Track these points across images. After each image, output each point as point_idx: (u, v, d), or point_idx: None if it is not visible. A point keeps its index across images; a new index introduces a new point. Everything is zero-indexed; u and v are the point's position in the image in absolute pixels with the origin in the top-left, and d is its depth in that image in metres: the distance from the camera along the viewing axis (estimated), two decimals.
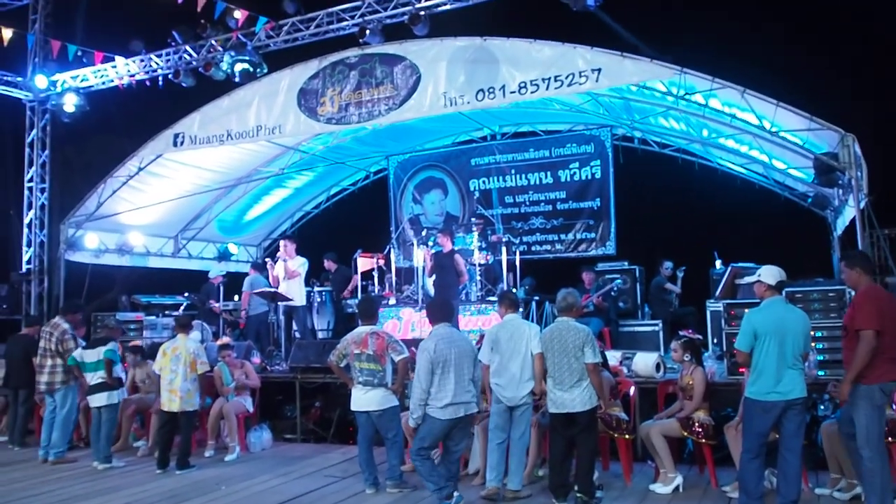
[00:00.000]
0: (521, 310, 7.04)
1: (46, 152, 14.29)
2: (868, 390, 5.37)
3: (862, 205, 8.17)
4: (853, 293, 5.95)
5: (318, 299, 12.05)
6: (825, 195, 10.59)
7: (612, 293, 10.79)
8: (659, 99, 9.87)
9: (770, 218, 12.34)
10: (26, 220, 14.14)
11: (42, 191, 14.19)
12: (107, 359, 8.25)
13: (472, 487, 6.80)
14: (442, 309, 6.78)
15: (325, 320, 12.14)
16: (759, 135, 9.55)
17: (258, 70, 11.41)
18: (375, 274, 12.34)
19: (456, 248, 10.58)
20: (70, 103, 13.27)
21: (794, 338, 5.49)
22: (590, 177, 13.40)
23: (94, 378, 8.28)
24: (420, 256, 11.38)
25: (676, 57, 8.61)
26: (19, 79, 13.95)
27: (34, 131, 14.21)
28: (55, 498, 7.01)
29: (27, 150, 14.25)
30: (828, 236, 11.67)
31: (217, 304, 12.16)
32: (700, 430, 6.60)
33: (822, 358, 7.36)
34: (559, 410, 6.15)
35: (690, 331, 7.34)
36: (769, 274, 5.78)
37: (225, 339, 9.32)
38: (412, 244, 12.20)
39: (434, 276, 10.48)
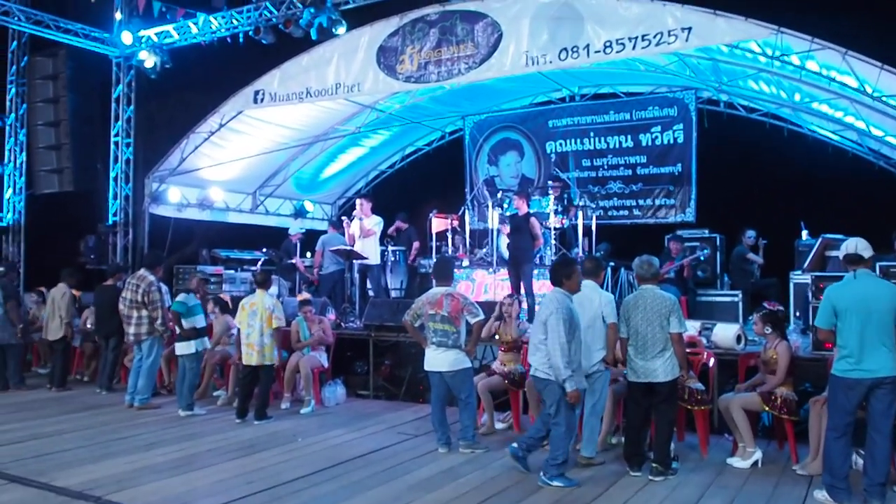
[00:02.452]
0: (600, 277, 6.81)
1: (132, 108, 14.68)
2: None
3: None
4: None
5: (392, 258, 12.12)
6: None
7: (694, 263, 10.53)
8: (751, 60, 9.44)
9: (862, 187, 11.79)
10: (112, 174, 14.59)
11: (127, 145, 14.60)
12: (174, 311, 8.51)
13: (544, 452, 6.77)
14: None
15: (399, 279, 12.23)
16: (859, 100, 9.06)
17: (337, 27, 11.39)
18: (449, 235, 12.32)
19: (532, 211, 10.44)
20: (150, 61, 13.54)
21: (880, 313, 5.23)
22: (671, 141, 13.03)
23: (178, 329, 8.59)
24: (495, 219, 11.29)
25: (772, 14, 8.17)
26: (106, 35, 14.28)
27: (120, 87, 14.60)
28: (141, 441, 7.28)
29: (113, 105, 14.65)
30: None
31: (299, 260, 12.38)
32: (783, 405, 6.39)
33: None
34: (640, 380, 6.05)
35: (773, 303, 7.08)
36: (850, 246, 5.54)
37: (305, 295, 9.45)
38: (487, 206, 12.11)
39: (509, 240, 10.38)
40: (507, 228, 10.62)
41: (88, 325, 10.78)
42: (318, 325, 9.25)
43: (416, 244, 12.45)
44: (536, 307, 9.47)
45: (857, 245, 5.57)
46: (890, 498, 5.35)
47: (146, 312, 8.84)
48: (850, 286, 5.44)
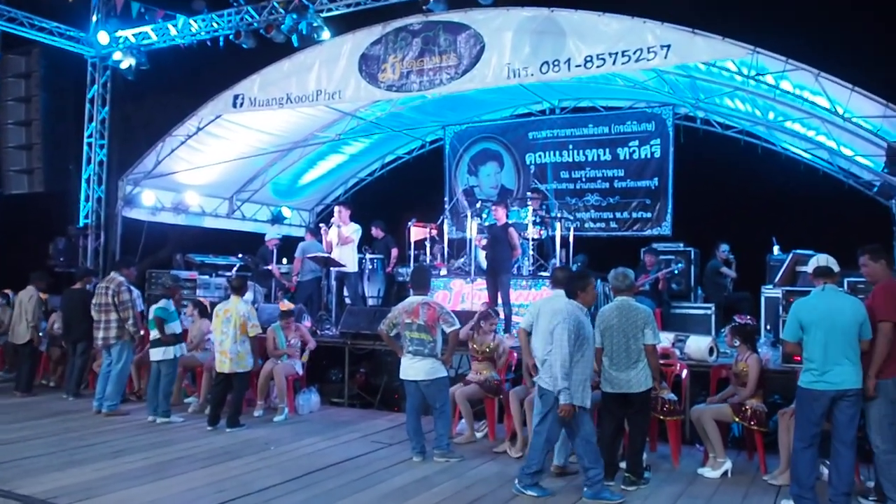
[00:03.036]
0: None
1: (106, 109, 14.51)
2: (884, 385, 5.37)
3: None
4: None
5: (370, 266, 12.10)
6: (892, 184, 10.26)
7: (668, 276, 10.62)
8: (727, 78, 9.57)
9: (832, 205, 12.01)
10: (84, 176, 14.39)
11: (101, 147, 14.43)
12: (157, 317, 8.42)
13: (519, 461, 6.79)
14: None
15: (376, 287, 12.19)
16: (830, 120, 9.22)
17: (319, 33, 11.37)
18: (428, 244, 12.33)
19: (510, 221, 10.49)
20: (126, 62, 13.42)
21: (843, 327, 5.36)
22: (649, 156, 13.17)
23: (153, 334, 8.49)
24: (473, 228, 11.32)
25: (749, 34, 8.31)
26: (82, 34, 14.13)
27: (95, 87, 14.43)
28: (109, 449, 7.17)
29: (87, 105, 14.48)
30: (890, 227, 11.32)
31: (275, 267, 12.31)
32: (752, 416, 6.48)
33: None
34: (614, 390, 6.10)
35: (745, 316, 7.18)
36: (821, 260, 5.76)
37: (288, 305, 9.36)
38: (465, 216, 12.13)
39: (487, 250, 10.41)
40: (482, 241, 10.66)
41: (56, 330, 10.60)
42: (294, 333, 9.20)
43: (394, 252, 12.45)
44: (514, 318, 9.53)
45: (827, 260, 5.74)
46: None
47: (116, 316, 8.74)
48: (816, 301, 5.57)
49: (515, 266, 10.67)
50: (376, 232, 12.62)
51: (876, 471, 5.54)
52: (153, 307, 8.58)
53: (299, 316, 10.07)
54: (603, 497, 5.68)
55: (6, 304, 11.34)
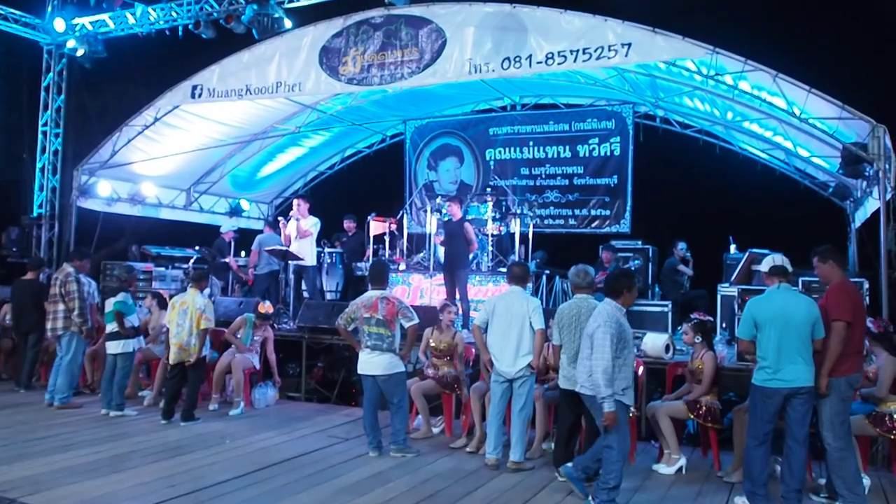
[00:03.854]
0: (527, 284, 6.94)
1: (62, 97, 14.19)
2: (836, 383, 5.47)
3: (888, 197, 8.05)
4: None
5: (329, 260, 12.02)
6: (847, 185, 10.49)
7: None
8: (687, 78, 9.68)
9: (788, 205, 12.25)
10: (39, 165, 14.07)
11: (56, 136, 14.11)
12: (116, 310, 8.29)
13: (476, 457, 6.81)
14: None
15: (335, 281, 12.12)
16: (787, 121, 9.38)
17: (280, 25, 11.24)
18: (387, 238, 12.29)
19: (467, 217, 10.50)
20: (80, 50, 13.14)
21: (797, 326, 5.44)
22: (608, 153, 13.28)
23: (109, 327, 8.35)
24: (433, 224, 11.31)
25: (708, 35, 8.41)
26: (38, 21, 13.79)
27: (50, 75, 14.10)
28: (60, 442, 7.05)
29: (42, 94, 14.15)
30: (845, 227, 11.57)
31: (233, 260, 12.17)
32: (707, 413, 6.56)
33: None
34: (570, 387, 6.11)
35: (701, 313, 7.28)
36: (777, 260, 5.83)
37: (268, 308, 9.21)
38: (425, 210, 12.11)
39: (444, 246, 10.41)
40: (440, 237, 10.66)
41: (6, 321, 10.37)
42: (261, 332, 9.12)
43: (369, 250, 12.36)
44: (472, 312, 9.54)
45: (782, 259, 5.83)
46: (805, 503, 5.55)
47: (63, 307, 8.61)
48: (771, 299, 5.65)
49: (474, 262, 10.69)
50: (349, 225, 12.52)
51: (828, 468, 5.63)
52: (112, 300, 8.40)
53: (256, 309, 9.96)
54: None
55: None
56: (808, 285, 7.67)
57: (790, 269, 5.94)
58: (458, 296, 9.76)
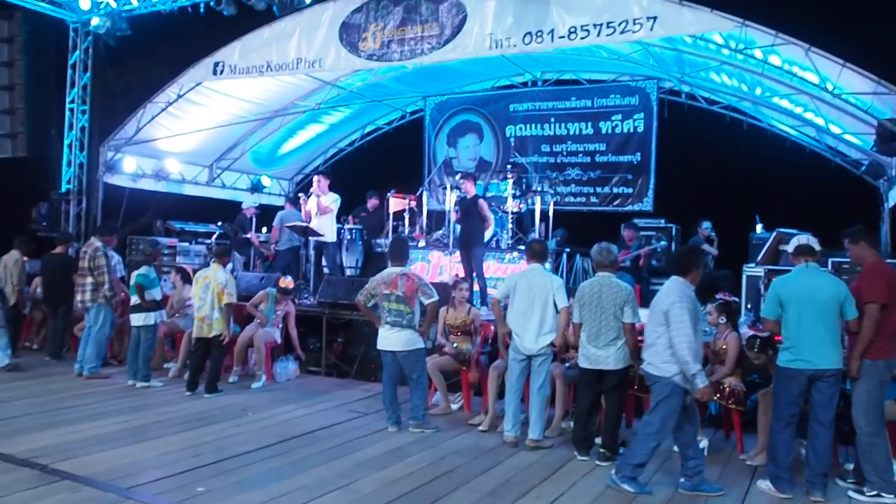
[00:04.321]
0: (546, 261, 6.91)
1: (88, 74, 14.29)
2: (873, 366, 5.33)
3: None
4: None
5: (349, 236, 12.03)
6: (881, 163, 10.26)
7: (650, 253, 10.62)
8: (714, 52, 9.50)
9: (818, 184, 11.98)
10: (66, 141, 14.23)
11: (83, 112, 14.24)
12: (137, 283, 8.41)
13: (494, 433, 6.82)
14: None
15: (354, 258, 12.13)
16: (819, 96, 9.18)
17: (300, 1, 11.18)
18: (406, 215, 12.27)
19: (484, 194, 10.46)
20: (102, 27, 13.18)
21: (822, 306, 5.31)
22: (631, 130, 13.13)
23: (133, 300, 8.49)
24: (452, 200, 11.27)
25: (737, 6, 8.20)
26: None
27: (77, 53, 14.20)
28: (88, 411, 7.21)
29: (69, 71, 14.26)
30: (878, 207, 11.34)
31: (254, 235, 12.24)
32: (730, 395, 6.49)
33: None
34: (591, 366, 6.09)
35: (726, 294, 7.18)
36: (802, 239, 5.72)
37: (289, 283, 9.27)
38: (444, 187, 12.07)
39: (459, 224, 10.38)
40: (456, 214, 10.63)
41: (38, 293, 10.56)
42: (283, 306, 9.17)
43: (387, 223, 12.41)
44: (489, 290, 9.52)
45: (808, 239, 5.70)
46: (831, 489, 5.46)
47: (92, 280, 8.76)
48: (797, 278, 5.53)
49: (493, 239, 10.66)
50: (373, 202, 12.49)
51: (857, 453, 5.50)
52: (134, 273, 8.56)
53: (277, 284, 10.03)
54: (702, 489, 5.39)
55: None
56: (838, 266, 7.52)
57: (818, 248, 5.79)
58: (474, 273, 9.74)
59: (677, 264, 5.64)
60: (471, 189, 10.17)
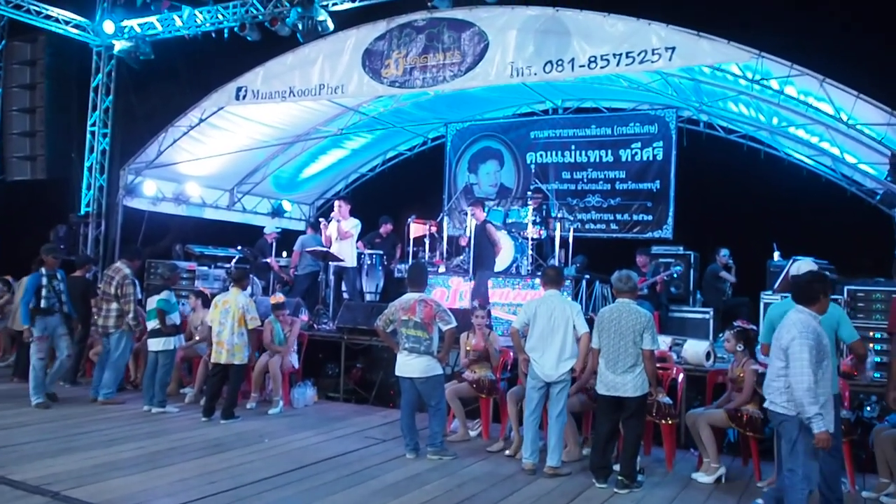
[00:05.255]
0: (563, 287, 6.93)
1: (110, 98, 14.50)
2: None
3: None
4: None
5: (369, 262, 12.09)
6: (895, 193, 10.22)
7: (666, 279, 10.60)
8: (731, 82, 9.55)
9: (834, 212, 11.95)
10: (87, 164, 14.40)
11: (104, 135, 14.42)
12: (158, 308, 8.41)
13: (512, 461, 6.79)
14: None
15: (374, 283, 12.17)
16: (834, 126, 9.20)
17: (324, 28, 11.35)
18: (427, 241, 12.32)
19: (501, 221, 10.55)
20: (124, 48, 13.44)
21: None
22: (651, 158, 13.17)
23: (152, 324, 8.48)
24: (472, 226, 11.31)
25: (754, 38, 8.27)
26: (88, 23, 14.11)
27: (99, 76, 14.42)
28: (103, 437, 7.17)
29: (91, 94, 14.47)
30: (893, 235, 11.27)
31: (273, 260, 12.32)
32: (748, 422, 6.46)
33: (879, 360, 7.11)
34: (609, 393, 6.08)
35: (744, 321, 7.16)
36: (795, 269, 5.69)
37: (279, 298, 9.37)
38: (465, 213, 12.12)
39: (472, 249, 10.47)
40: (465, 239, 10.70)
41: None
42: (289, 326, 9.20)
43: (398, 249, 12.49)
44: (494, 310, 9.57)
45: (808, 264, 5.69)
46: None
47: (117, 305, 8.70)
48: (785, 304, 5.51)
49: (513, 265, 10.72)
50: (386, 229, 12.55)
51: None
52: (155, 298, 8.51)
53: (297, 309, 10.07)
54: None
55: (7, 291, 11.32)
56: (853, 294, 7.48)
57: (815, 268, 5.76)
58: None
59: (801, 292, 5.08)
60: (480, 215, 10.27)
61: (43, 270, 8.50)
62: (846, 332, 5.33)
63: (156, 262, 12.69)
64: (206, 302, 9.52)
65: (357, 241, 12.04)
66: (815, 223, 11.85)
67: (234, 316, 8.08)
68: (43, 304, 8.41)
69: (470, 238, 10.67)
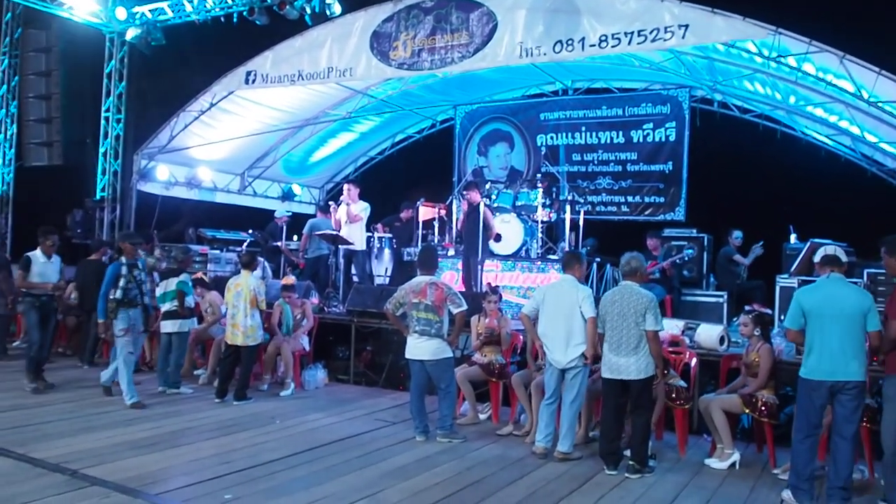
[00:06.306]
0: (578, 271, 6.68)
1: (123, 84, 14.54)
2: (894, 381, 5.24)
3: None
4: None
5: (378, 245, 12.06)
6: None
7: (678, 262, 10.49)
8: (747, 60, 9.38)
9: (853, 193, 11.74)
10: (101, 150, 14.48)
11: (118, 121, 14.48)
12: (179, 290, 8.49)
13: (522, 444, 6.77)
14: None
15: (384, 266, 12.15)
16: (854, 104, 9.04)
17: (331, 10, 11.29)
18: (436, 224, 12.26)
19: (510, 204, 10.56)
20: (132, 34, 13.42)
21: (846, 317, 5.23)
22: (663, 139, 13.02)
23: (167, 306, 8.54)
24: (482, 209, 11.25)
25: (770, 14, 8.10)
26: (100, 10, 14.09)
27: (112, 62, 14.45)
28: (120, 417, 7.28)
29: (105, 80, 14.51)
30: None
31: (284, 243, 12.33)
32: (763, 408, 6.37)
33: None
34: (612, 376, 6.04)
35: (758, 305, 7.07)
36: (822, 252, 5.62)
37: (290, 279, 9.39)
38: (462, 196, 12.03)
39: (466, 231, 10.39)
40: (461, 221, 10.64)
41: (72, 300, 10.69)
42: (299, 309, 9.21)
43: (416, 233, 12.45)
44: (520, 300, 9.49)
45: (835, 249, 5.61)
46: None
47: None
48: (820, 288, 5.48)
49: (523, 248, 10.70)
50: (406, 214, 12.46)
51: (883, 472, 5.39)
52: (174, 280, 8.56)
53: (306, 292, 10.09)
54: None
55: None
56: (873, 277, 7.37)
57: (845, 259, 5.68)
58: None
59: None
60: (476, 197, 10.17)
61: (123, 259, 7.90)
62: (872, 322, 5.23)
63: (169, 246, 12.74)
64: (206, 286, 9.64)
65: (377, 224, 12.04)
66: (834, 205, 11.65)
67: (246, 298, 8.16)
68: (124, 294, 7.76)
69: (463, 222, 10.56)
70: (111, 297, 7.75)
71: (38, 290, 8.55)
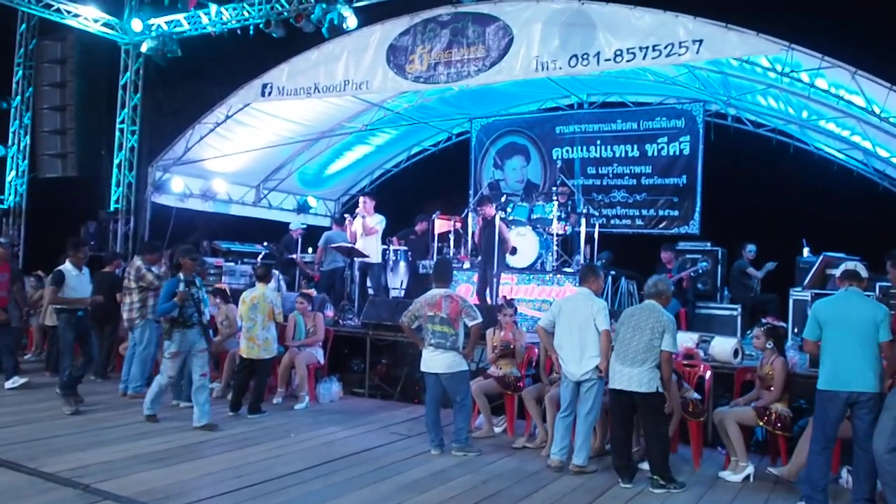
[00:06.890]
0: (595, 284, 6.67)
1: (138, 95, 14.68)
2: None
3: None
4: None
5: (394, 258, 12.10)
6: None
7: (692, 275, 10.49)
8: (760, 75, 9.42)
9: (865, 207, 11.75)
10: (116, 161, 14.58)
11: (132, 133, 14.61)
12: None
13: (537, 458, 6.77)
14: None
15: (399, 279, 12.20)
16: (866, 119, 9.06)
17: (348, 23, 11.38)
18: (452, 237, 12.31)
19: (525, 217, 10.57)
20: (146, 46, 13.60)
21: (859, 327, 5.26)
22: (677, 153, 13.05)
23: None
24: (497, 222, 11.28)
25: (783, 30, 8.14)
26: (116, 21, 14.26)
27: (128, 74, 14.59)
28: (132, 430, 7.24)
29: (120, 92, 14.65)
30: None
31: (299, 256, 12.38)
32: (777, 420, 6.36)
33: None
34: (617, 386, 6.05)
35: (772, 318, 7.06)
36: (849, 265, 5.66)
37: (311, 292, 9.41)
38: (476, 211, 12.08)
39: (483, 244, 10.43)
40: (477, 235, 10.67)
41: None
42: (311, 321, 9.22)
43: (432, 245, 12.51)
44: (536, 314, 9.51)
45: (856, 265, 5.64)
46: None
47: (137, 297, 8.69)
48: (837, 301, 5.52)
49: (538, 261, 10.68)
50: (421, 227, 12.49)
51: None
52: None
53: (321, 305, 10.11)
54: None
55: (39, 286, 11.49)
56: (885, 291, 7.37)
57: (865, 275, 5.71)
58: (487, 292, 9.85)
59: None
60: (490, 211, 10.21)
61: (181, 276, 7.50)
62: (884, 332, 5.24)
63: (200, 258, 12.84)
64: (226, 298, 9.61)
65: (392, 237, 12.08)
66: (846, 218, 11.64)
67: (263, 310, 8.14)
68: (179, 313, 7.41)
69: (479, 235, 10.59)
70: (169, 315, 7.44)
71: (74, 305, 8.38)
